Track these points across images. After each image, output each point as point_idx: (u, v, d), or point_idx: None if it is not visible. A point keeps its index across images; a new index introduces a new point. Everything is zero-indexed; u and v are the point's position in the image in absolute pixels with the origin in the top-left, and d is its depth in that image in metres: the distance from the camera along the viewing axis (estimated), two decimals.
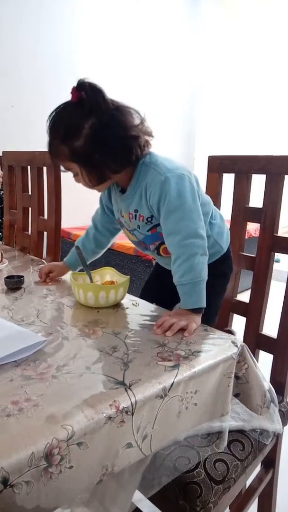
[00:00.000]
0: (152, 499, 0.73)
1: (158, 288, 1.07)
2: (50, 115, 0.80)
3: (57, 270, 1.05)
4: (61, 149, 0.80)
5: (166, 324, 0.75)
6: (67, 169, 0.84)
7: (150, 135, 0.85)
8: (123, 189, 0.90)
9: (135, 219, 0.89)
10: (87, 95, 0.76)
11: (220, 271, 0.97)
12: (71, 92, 0.78)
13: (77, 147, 0.78)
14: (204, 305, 0.80)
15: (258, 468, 0.92)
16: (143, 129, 0.82)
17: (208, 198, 0.95)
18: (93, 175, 0.82)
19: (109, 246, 1.07)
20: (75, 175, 0.84)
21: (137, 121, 0.82)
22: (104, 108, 0.78)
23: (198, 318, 0.79)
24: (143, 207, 0.86)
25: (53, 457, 0.46)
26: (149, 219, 0.87)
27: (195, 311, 0.79)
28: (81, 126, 0.77)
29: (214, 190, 1.08)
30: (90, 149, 0.77)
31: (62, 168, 0.85)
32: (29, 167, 1.44)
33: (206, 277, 0.81)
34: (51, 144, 0.81)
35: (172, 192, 0.80)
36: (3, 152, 1.60)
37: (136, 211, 0.88)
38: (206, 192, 1.09)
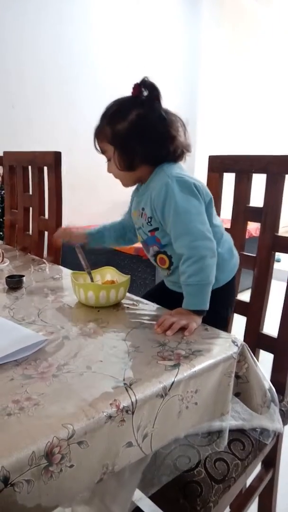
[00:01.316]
0: (153, 498, 0.74)
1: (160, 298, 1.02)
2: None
3: (74, 236, 1.03)
4: (105, 130, 0.86)
5: (167, 323, 0.75)
6: (103, 151, 0.89)
7: (187, 148, 0.88)
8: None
9: (141, 217, 0.91)
10: (145, 91, 0.84)
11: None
12: (133, 87, 0.85)
13: (119, 130, 0.84)
14: (206, 307, 0.80)
15: (258, 468, 0.92)
16: (182, 138, 0.87)
17: (219, 222, 0.93)
18: (124, 160, 0.85)
19: (128, 244, 1.08)
20: (108, 160, 0.89)
21: (180, 129, 0.86)
22: (155, 105, 0.84)
23: (199, 319, 0.79)
24: (147, 206, 0.87)
25: (54, 456, 0.46)
26: (149, 220, 0.88)
27: (197, 312, 0.79)
28: (129, 112, 0.83)
29: (214, 189, 1.08)
30: (129, 134, 0.83)
31: (98, 149, 0.90)
32: (30, 167, 1.44)
33: (213, 280, 0.81)
34: (98, 125, 0.88)
35: (178, 195, 0.81)
36: (4, 152, 1.60)
37: (143, 209, 0.90)
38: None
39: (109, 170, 0.91)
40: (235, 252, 0.96)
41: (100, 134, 0.87)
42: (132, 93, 0.85)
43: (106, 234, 1.05)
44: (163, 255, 0.91)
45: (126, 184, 0.94)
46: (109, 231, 1.06)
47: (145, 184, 0.90)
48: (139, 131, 0.83)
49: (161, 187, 0.83)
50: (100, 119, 0.87)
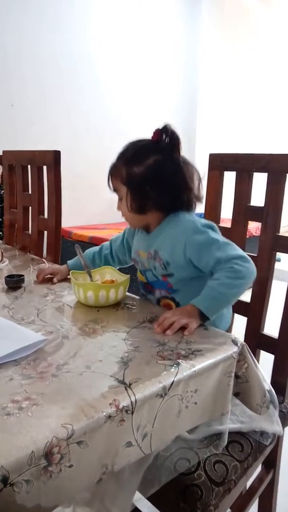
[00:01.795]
0: (153, 501, 0.73)
1: None
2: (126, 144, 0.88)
3: (60, 274, 1.03)
4: (120, 169, 0.86)
5: (166, 323, 0.75)
6: (115, 190, 0.89)
7: (199, 200, 0.89)
8: (148, 230, 0.93)
9: (153, 259, 0.89)
10: (165, 137, 0.84)
11: None
12: (154, 132, 0.85)
13: (134, 173, 0.84)
14: (211, 318, 0.78)
15: (258, 469, 0.92)
16: (197, 190, 0.87)
17: None
18: (135, 203, 0.85)
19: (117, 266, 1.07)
20: (120, 199, 0.89)
21: (195, 180, 0.87)
22: (174, 154, 0.84)
23: (199, 321, 0.77)
24: (164, 250, 0.86)
25: (53, 456, 0.46)
26: (165, 265, 0.87)
27: (201, 314, 0.78)
28: (147, 157, 0.83)
29: (215, 188, 1.07)
30: (144, 179, 0.83)
31: (111, 187, 0.90)
32: (29, 166, 1.44)
33: (232, 302, 0.83)
34: (114, 163, 0.88)
35: (210, 232, 0.83)
36: (4, 151, 1.60)
37: (156, 252, 0.88)
38: (206, 190, 1.08)
39: (119, 209, 0.91)
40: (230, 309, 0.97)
41: (115, 173, 0.87)
42: (152, 137, 0.85)
43: (92, 262, 1.04)
44: (170, 300, 0.90)
45: (133, 225, 0.95)
46: (93, 259, 1.05)
47: (158, 228, 0.89)
48: (155, 177, 0.83)
49: (187, 229, 0.83)
50: (117, 157, 0.88)
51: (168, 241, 0.86)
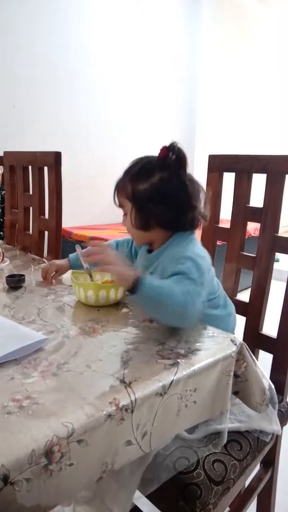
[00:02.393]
0: (152, 500, 0.74)
1: None
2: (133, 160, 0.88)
3: (62, 269, 1.04)
4: (125, 185, 0.85)
5: (97, 249, 0.76)
6: (120, 205, 0.89)
7: (205, 218, 0.88)
8: (151, 249, 0.92)
9: None
10: (172, 155, 0.83)
11: None
12: (161, 149, 0.84)
13: (139, 189, 0.83)
14: (136, 296, 0.70)
15: (257, 467, 0.92)
16: (202, 208, 0.86)
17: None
18: (140, 220, 0.85)
19: None
20: (124, 214, 0.90)
21: (201, 199, 0.85)
22: (180, 172, 0.83)
23: (125, 282, 0.70)
24: (157, 274, 0.84)
25: (53, 455, 0.46)
26: None
27: (135, 287, 0.69)
28: (152, 174, 0.83)
29: (214, 189, 1.08)
30: (149, 196, 0.82)
31: (116, 203, 0.90)
32: (30, 167, 1.45)
33: (156, 313, 0.73)
34: (120, 179, 0.87)
35: (190, 266, 0.76)
36: (5, 152, 1.60)
37: (151, 273, 0.88)
38: (206, 191, 1.09)
39: (124, 224, 0.91)
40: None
41: (121, 189, 0.87)
42: (159, 154, 0.84)
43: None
44: None
45: (137, 241, 0.95)
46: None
47: (158, 251, 0.88)
48: (160, 195, 0.82)
49: (177, 259, 0.78)
50: (123, 173, 0.87)
51: (161, 267, 0.85)
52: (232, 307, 0.94)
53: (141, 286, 0.69)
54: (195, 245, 0.85)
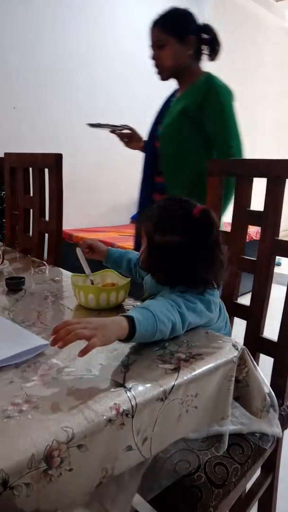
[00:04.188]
0: (153, 503, 0.73)
1: None
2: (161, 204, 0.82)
3: (97, 251, 1.04)
4: (147, 224, 0.81)
5: (63, 333, 0.59)
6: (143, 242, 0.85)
7: (211, 284, 0.80)
8: None
9: None
10: (203, 222, 0.76)
11: None
12: (197, 208, 0.76)
13: (154, 237, 0.79)
14: (135, 336, 0.65)
15: (258, 472, 0.92)
16: (211, 278, 0.79)
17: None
18: (148, 262, 0.82)
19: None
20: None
21: (214, 272, 0.79)
22: (202, 241, 0.76)
23: (112, 331, 0.62)
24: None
25: (53, 459, 0.46)
26: None
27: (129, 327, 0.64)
28: (173, 230, 0.76)
29: (215, 193, 1.08)
30: (160, 249, 0.78)
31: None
32: (31, 169, 1.45)
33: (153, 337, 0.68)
34: (147, 211, 0.82)
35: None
36: (5, 154, 1.60)
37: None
38: (207, 195, 1.09)
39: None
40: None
41: (144, 221, 0.83)
42: (194, 211, 0.76)
43: (124, 263, 1.06)
44: None
45: (144, 269, 0.90)
46: (128, 263, 1.06)
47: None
48: (168, 255, 0.77)
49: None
50: (155, 207, 0.82)
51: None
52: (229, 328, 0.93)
53: (135, 330, 0.64)
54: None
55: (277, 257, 0.95)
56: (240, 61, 4.05)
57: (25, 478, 0.43)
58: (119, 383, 0.58)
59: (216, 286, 0.81)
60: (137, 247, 1.46)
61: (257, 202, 1.01)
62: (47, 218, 1.41)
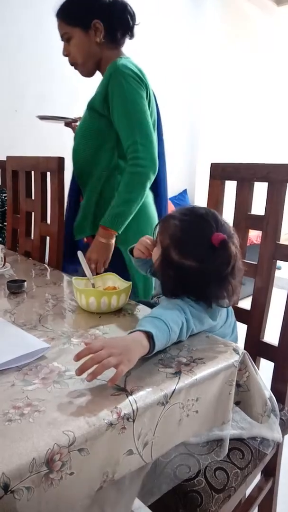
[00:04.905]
0: (152, 507, 0.73)
1: None
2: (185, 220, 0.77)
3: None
4: (165, 238, 0.78)
5: (89, 364, 0.57)
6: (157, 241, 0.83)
7: (229, 304, 0.80)
8: None
9: None
10: (222, 252, 0.73)
11: None
12: (217, 237, 0.72)
13: (171, 255, 0.76)
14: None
15: (258, 477, 0.91)
16: (231, 299, 0.78)
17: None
18: (159, 268, 0.81)
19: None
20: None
21: (224, 297, 0.77)
22: (217, 270, 0.74)
23: (135, 353, 0.61)
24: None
25: (54, 463, 0.46)
26: None
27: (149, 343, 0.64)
28: (190, 255, 0.74)
29: (216, 197, 1.08)
30: (175, 267, 0.76)
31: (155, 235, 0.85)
32: (33, 172, 1.45)
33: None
34: (169, 224, 0.78)
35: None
36: (8, 157, 1.61)
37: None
38: (208, 199, 1.09)
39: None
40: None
41: (162, 229, 0.80)
42: (214, 238, 0.73)
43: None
44: None
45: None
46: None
47: None
48: (181, 276, 0.76)
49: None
50: (177, 224, 0.78)
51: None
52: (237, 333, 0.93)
53: (155, 346, 0.65)
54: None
55: (277, 261, 0.96)
56: (240, 62, 4.07)
57: (26, 482, 0.43)
58: (120, 387, 0.58)
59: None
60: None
61: (258, 206, 1.02)
62: (48, 221, 1.41)
